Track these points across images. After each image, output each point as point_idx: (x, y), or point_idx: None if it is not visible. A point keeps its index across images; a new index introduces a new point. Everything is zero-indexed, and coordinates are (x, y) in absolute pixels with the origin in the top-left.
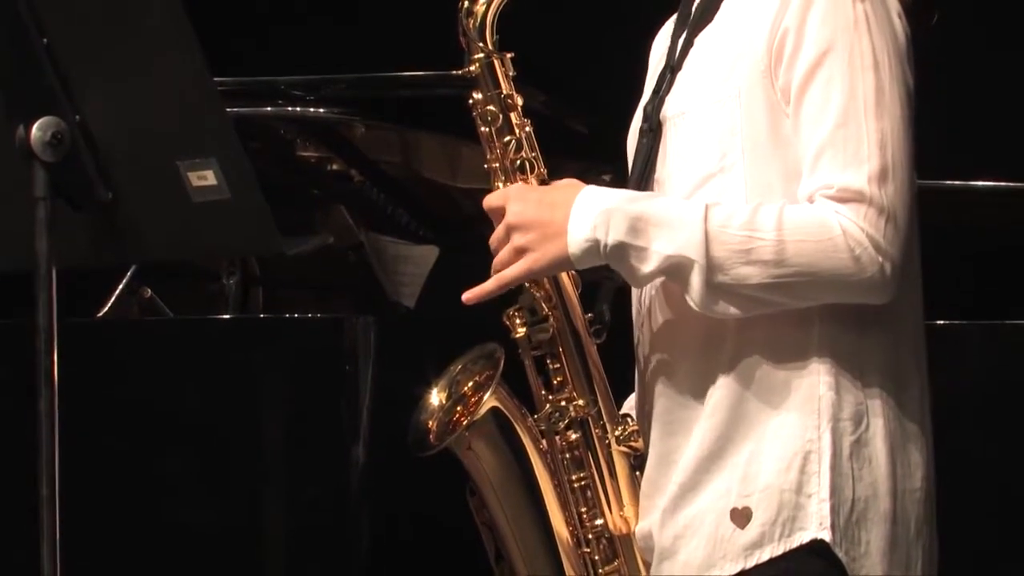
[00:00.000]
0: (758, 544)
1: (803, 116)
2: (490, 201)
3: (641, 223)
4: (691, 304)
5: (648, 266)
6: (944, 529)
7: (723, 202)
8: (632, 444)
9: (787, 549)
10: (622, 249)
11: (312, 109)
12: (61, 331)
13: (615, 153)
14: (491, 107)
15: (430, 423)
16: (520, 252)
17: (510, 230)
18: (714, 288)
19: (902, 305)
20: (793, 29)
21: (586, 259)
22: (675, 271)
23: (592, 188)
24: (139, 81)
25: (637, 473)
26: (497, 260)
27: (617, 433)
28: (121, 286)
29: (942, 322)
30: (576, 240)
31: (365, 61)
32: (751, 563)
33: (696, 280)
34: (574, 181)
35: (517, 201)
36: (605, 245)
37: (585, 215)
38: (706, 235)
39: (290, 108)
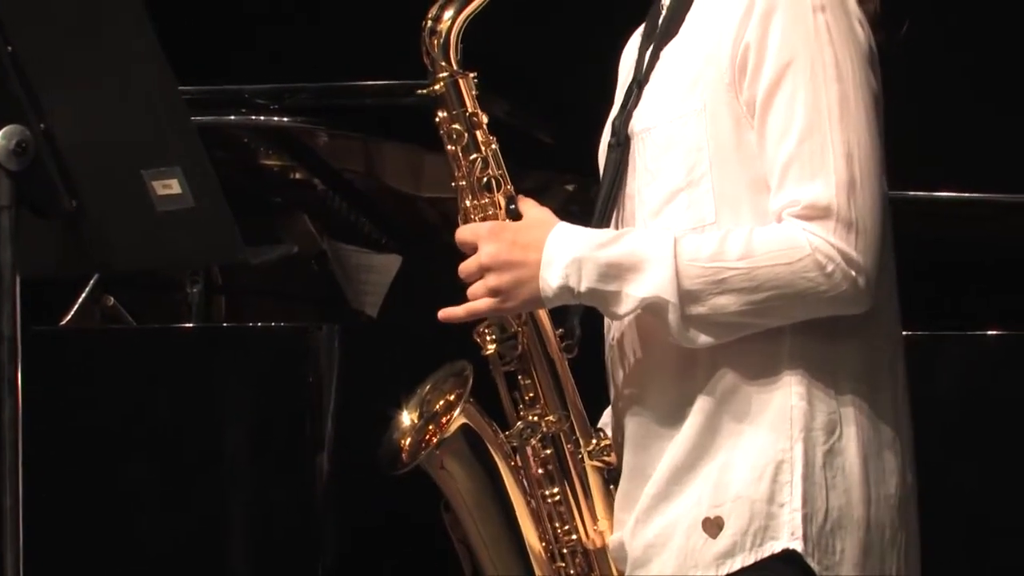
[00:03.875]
0: (729, 554)
1: (768, 131)
2: (462, 235)
3: (612, 269)
4: (670, 338)
5: (623, 308)
6: (921, 541)
7: (690, 226)
8: (605, 458)
9: (759, 559)
10: (596, 295)
11: (276, 118)
12: (24, 340)
13: (579, 163)
14: (456, 126)
15: (402, 442)
16: (494, 292)
17: (483, 270)
18: (690, 321)
19: (876, 311)
20: (755, 43)
21: (559, 302)
22: (651, 310)
23: (561, 230)
24: (104, 90)
25: (611, 487)
26: (470, 293)
27: (590, 448)
28: (84, 294)
29: (907, 333)
30: (549, 287)
31: (328, 70)
32: (722, 572)
33: (672, 317)
34: (545, 217)
35: (490, 241)
36: (578, 292)
37: (556, 262)
38: (676, 272)
39: (254, 117)
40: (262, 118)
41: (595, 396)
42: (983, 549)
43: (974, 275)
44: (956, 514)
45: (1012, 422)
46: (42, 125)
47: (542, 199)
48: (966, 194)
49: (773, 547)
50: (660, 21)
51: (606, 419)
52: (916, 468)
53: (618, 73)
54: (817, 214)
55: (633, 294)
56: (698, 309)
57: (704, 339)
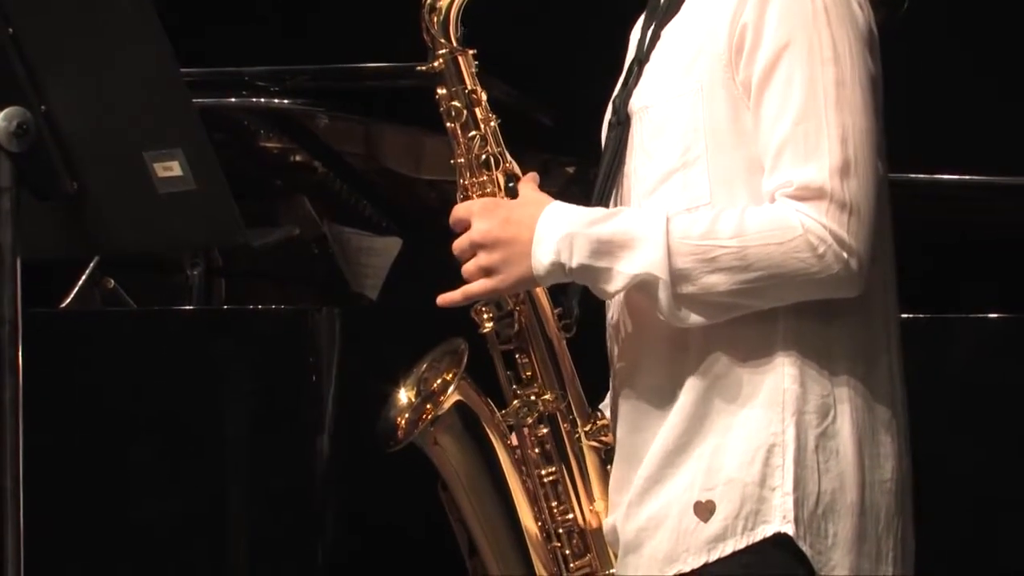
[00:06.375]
0: (721, 537)
1: (763, 112)
2: (456, 213)
3: (603, 245)
4: (660, 317)
5: (614, 285)
6: (920, 525)
7: (685, 206)
8: (602, 438)
9: (750, 543)
10: (587, 271)
11: (276, 100)
12: (24, 322)
13: (579, 145)
14: (455, 103)
15: (399, 420)
16: (486, 271)
17: (475, 247)
18: (681, 300)
19: (870, 292)
20: (752, 24)
21: (551, 279)
22: (642, 287)
23: (554, 208)
24: (105, 72)
25: (608, 467)
26: (464, 271)
27: (587, 428)
28: (84, 277)
29: (908, 316)
30: (540, 264)
31: (329, 52)
32: (714, 556)
33: (663, 295)
34: (539, 196)
35: (483, 218)
36: (570, 268)
37: (548, 238)
38: (668, 249)
39: (254, 99)
40: (263, 100)
41: (601, 378)
42: (987, 534)
43: (976, 258)
44: (960, 499)
45: (1015, 406)
46: (43, 107)
47: (542, 181)
48: (968, 176)
49: (765, 531)
50: (662, 0)
51: (608, 401)
52: (915, 453)
53: (627, 53)
54: (810, 195)
55: (624, 271)
56: (689, 288)
57: (695, 318)
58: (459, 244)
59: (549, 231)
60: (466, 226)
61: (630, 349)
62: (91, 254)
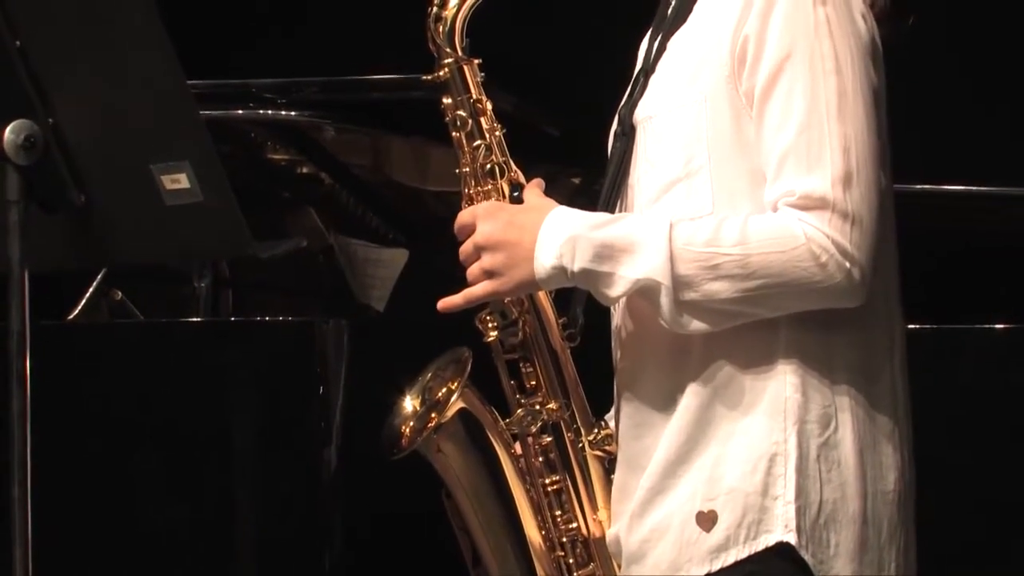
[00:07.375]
0: (723, 547)
1: (766, 123)
2: (461, 219)
3: (606, 249)
4: (662, 323)
5: (616, 290)
6: (923, 534)
7: (687, 216)
8: (606, 448)
9: (752, 552)
10: (588, 275)
11: (283, 112)
12: (32, 334)
13: (586, 155)
14: (460, 112)
15: (403, 428)
16: (488, 273)
17: (479, 249)
18: (683, 306)
19: (872, 302)
20: (754, 35)
21: (553, 283)
22: (644, 293)
23: (559, 211)
24: (112, 84)
25: (612, 476)
26: (468, 274)
27: (591, 437)
28: (92, 289)
29: (913, 326)
30: (543, 266)
31: (335, 64)
32: (716, 566)
33: (664, 301)
34: (544, 201)
35: (486, 220)
36: (572, 272)
37: (551, 241)
38: (671, 255)
39: (261, 111)
40: (270, 112)
41: (606, 387)
42: (994, 544)
43: (982, 268)
44: (965, 509)
45: (1020, 416)
46: (50, 120)
47: (548, 192)
48: (973, 187)
49: (767, 540)
50: (669, 10)
51: (614, 411)
52: (919, 463)
53: (635, 64)
54: (813, 204)
55: (626, 275)
56: (691, 294)
57: (696, 325)
58: (464, 248)
59: (552, 234)
60: (471, 231)
61: (632, 354)
62: (98, 266)
